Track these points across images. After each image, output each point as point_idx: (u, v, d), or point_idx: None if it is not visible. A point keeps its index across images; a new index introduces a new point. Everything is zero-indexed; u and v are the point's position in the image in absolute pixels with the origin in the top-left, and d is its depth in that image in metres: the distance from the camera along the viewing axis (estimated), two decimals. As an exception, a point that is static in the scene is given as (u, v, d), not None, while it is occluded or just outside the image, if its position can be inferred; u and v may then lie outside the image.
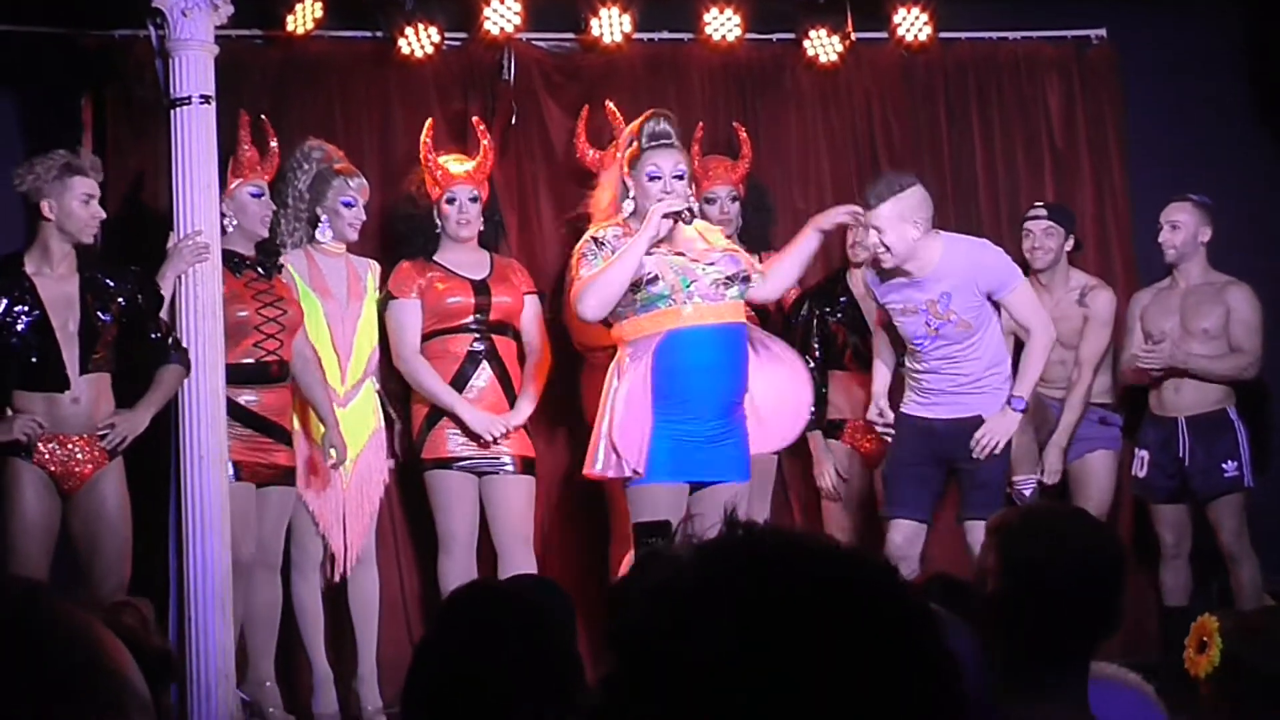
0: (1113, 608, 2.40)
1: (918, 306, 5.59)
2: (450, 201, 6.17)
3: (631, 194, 5.38)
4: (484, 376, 6.12)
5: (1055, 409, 6.36)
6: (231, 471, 5.53)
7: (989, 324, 5.62)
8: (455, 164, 6.24)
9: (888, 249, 5.50)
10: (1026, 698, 2.25)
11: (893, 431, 5.74)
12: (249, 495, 5.66)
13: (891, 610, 1.01)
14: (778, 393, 5.47)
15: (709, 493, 5.23)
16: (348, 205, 6.05)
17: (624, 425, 5.20)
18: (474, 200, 6.18)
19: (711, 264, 5.31)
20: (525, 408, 6.14)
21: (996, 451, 5.58)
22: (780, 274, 5.55)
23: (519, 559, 5.97)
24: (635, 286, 5.21)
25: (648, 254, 5.18)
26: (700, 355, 5.22)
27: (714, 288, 5.28)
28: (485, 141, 6.28)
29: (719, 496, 5.19)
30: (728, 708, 0.96)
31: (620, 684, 1.01)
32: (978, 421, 5.57)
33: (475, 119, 6.37)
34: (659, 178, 5.35)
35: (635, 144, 5.42)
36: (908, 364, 5.71)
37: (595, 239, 5.32)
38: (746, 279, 5.38)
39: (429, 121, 6.33)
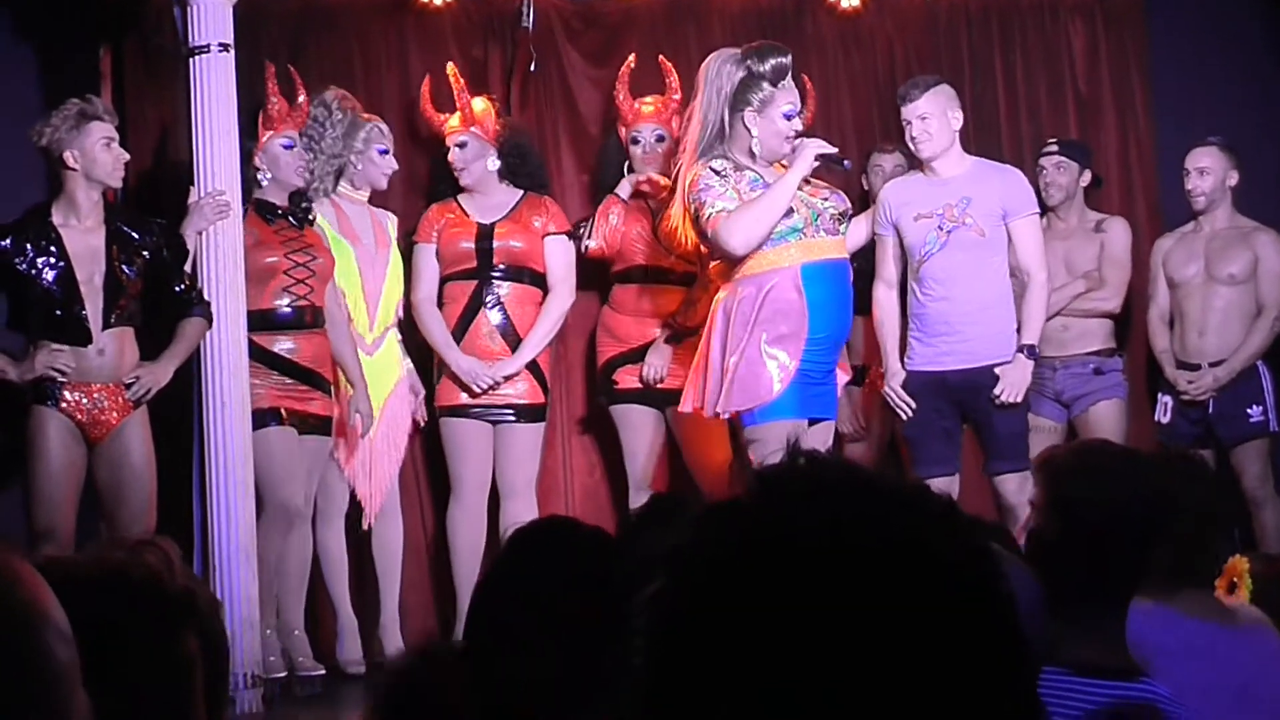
0: (1157, 550, 2.34)
1: (933, 210, 5.60)
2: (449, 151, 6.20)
3: (756, 133, 5.31)
4: (487, 323, 6.10)
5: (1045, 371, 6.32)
6: (274, 419, 5.61)
7: (999, 247, 5.62)
8: (451, 118, 6.23)
9: (930, 135, 5.58)
10: (1062, 634, 2.22)
11: (907, 409, 5.68)
12: (291, 440, 5.67)
13: (952, 549, 0.99)
14: None
15: (811, 430, 5.23)
16: (383, 153, 6.08)
17: (754, 361, 5.18)
18: (461, 147, 6.16)
19: (826, 200, 5.36)
20: (525, 354, 6.08)
21: (1016, 400, 5.57)
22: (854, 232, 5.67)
23: (519, 505, 5.99)
24: None
25: None
26: (825, 290, 5.25)
27: (833, 222, 5.33)
28: (458, 91, 6.18)
29: (821, 435, 5.24)
30: (771, 632, 0.95)
31: (668, 603, 1.00)
32: (988, 373, 5.57)
33: (451, 67, 6.28)
34: (794, 116, 5.35)
35: (753, 78, 5.31)
36: (911, 302, 5.68)
37: (714, 169, 5.28)
38: (851, 217, 5.50)
39: (426, 80, 6.31)
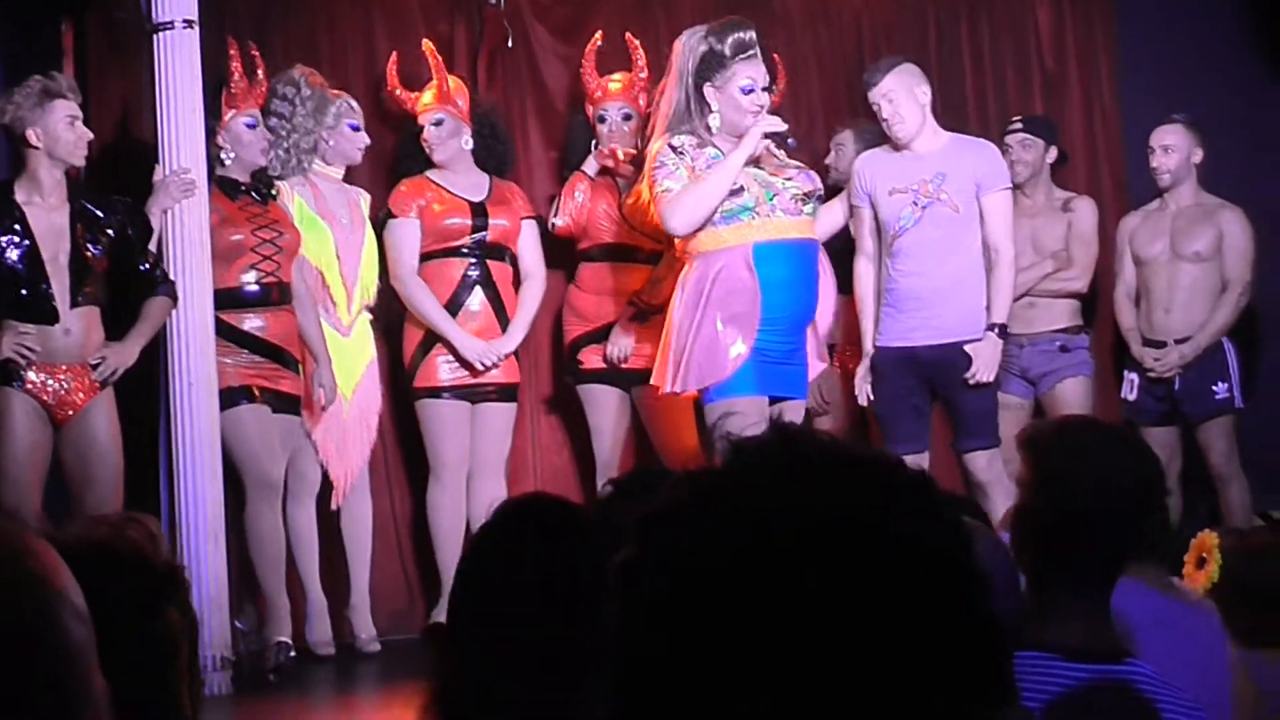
0: (1142, 528, 2.30)
1: (909, 185, 5.60)
2: (423, 129, 6.18)
3: (716, 108, 5.28)
4: (477, 301, 6.11)
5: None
6: (244, 396, 5.59)
7: (973, 224, 5.63)
8: (424, 95, 6.22)
9: (902, 116, 5.58)
10: (1047, 616, 2.21)
11: (867, 397, 5.71)
12: (265, 416, 5.66)
13: (926, 523, 0.99)
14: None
15: (777, 409, 5.22)
16: (354, 128, 6.07)
17: (710, 339, 5.17)
18: (437, 124, 6.15)
19: (789, 179, 5.32)
20: (517, 334, 6.14)
21: (989, 380, 5.59)
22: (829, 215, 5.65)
23: (491, 484, 6.00)
24: None
25: None
26: (780, 269, 5.21)
27: (794, 202, 5.29)
28: (436, 67, 6.19)
29: (790, 415, 5.22)
30: (739, 602, 0.95)
31: (637, 570, 1.00)
32: (959, 350, 5.57)
33: (427, 44, 6.27)
34: (753, 90, 5.29)
35: (714, 53, 5.28)
36: (884, 277, 5.68)
37: (672, 146, 5.25)
38: (821, 198, 5.45)
39: (393, 57, 6.29)
